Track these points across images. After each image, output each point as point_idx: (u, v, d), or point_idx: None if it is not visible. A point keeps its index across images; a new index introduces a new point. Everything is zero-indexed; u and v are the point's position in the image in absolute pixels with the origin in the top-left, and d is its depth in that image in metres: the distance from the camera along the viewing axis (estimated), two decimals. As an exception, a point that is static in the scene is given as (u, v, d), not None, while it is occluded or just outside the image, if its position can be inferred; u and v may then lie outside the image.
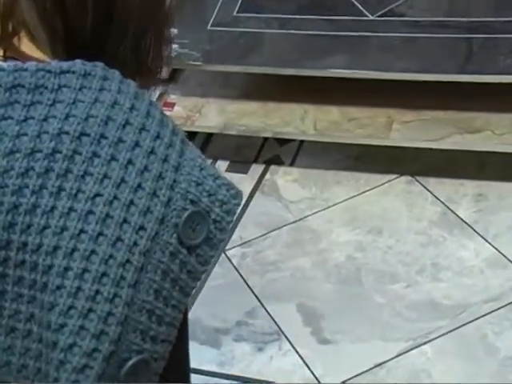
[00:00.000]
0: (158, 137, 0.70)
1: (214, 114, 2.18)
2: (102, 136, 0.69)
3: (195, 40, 2.08)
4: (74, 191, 0.67)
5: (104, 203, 0.67)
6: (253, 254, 1.96)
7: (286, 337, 1.75)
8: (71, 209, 0.67)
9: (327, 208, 2.04)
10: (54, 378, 0.67)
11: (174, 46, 2.00)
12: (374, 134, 2.03)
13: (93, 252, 0.67)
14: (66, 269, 0.66)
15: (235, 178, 2.09)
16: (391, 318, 1.75)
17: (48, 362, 0.68)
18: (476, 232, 1.90)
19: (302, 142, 2.22)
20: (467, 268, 1.83)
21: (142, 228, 0.68)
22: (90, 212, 0.67)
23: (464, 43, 1.92)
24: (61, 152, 0.68)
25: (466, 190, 2.02)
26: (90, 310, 0.66)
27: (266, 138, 2.24)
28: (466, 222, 1.93)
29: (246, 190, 2.10)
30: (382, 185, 2.08)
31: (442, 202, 1.99)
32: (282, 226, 2.02)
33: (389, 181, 2.08)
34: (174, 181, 0.70)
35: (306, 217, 2.04)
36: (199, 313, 1.81)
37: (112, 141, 0.69)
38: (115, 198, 0.68)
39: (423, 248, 1.89)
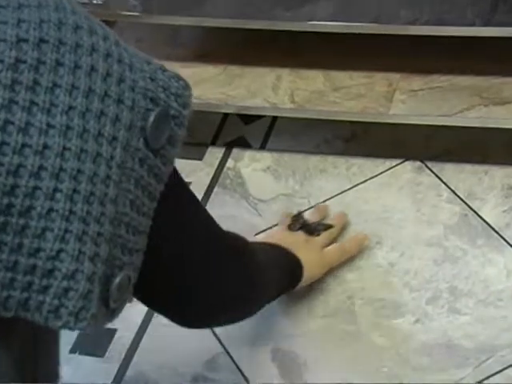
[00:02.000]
0: (106, 37, 0.73)
1: (158, 82, 1.96)
2: (60, 42, 0.70)
3: (130, -18, 1.86)
4: (46, 105, 0.69)
5: (78, 116, 0.70)
6: (212, 278, 1.71)
7: (257, 394, 1.54)
8: (49, 125, 0.69)
9: (309, 208, 1.80)
10: (54, 307, 0.71)
11: (103, -12, 1.84)
12: (371, 107, 1.83)
13: (79, 171, 0.69)
14: (55, 190, 0.69)
15: (187, 165, 1.87)
16: (395, 365, 1.53)
17: (33, 289, 0.70)
18: (506, 241, 1.67)
19: (274, 118, 2.02)
20: (495, 293, 1.60)
21: (114, 139, 0.72)
22: (68, 127, 0.69)
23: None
24: (25, 62, 0.69)
25: (493, 181, 1.79)
26: (84, 233, 0.70)
27: (226, 114, 2.05)
28: (492, 227, 1.69)
29: (202, 182, 1.87)
30: (381, 174, 1.85)
31: (460, 198, 1.75)
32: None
33: (390, 168, 1.86)
34: (133, 81, 0.74)
35: (281, 222, 1.80)
36: (142, 364, 1.60)
37: (71, 46, 0.71)
38: (87, 109, 0.70)
39: (436, 265, 1.64)
